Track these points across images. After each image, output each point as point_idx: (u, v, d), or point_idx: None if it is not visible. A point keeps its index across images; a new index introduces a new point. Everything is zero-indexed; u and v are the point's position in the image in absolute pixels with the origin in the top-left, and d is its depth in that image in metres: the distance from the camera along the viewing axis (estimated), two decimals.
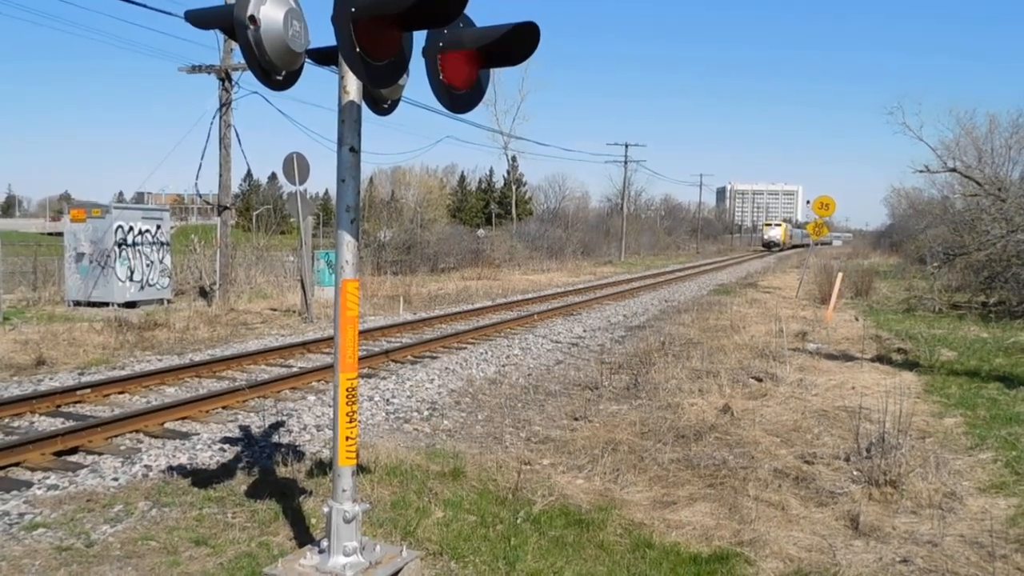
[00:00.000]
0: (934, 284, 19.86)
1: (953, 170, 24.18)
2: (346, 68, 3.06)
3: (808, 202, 34.90)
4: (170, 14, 24.56)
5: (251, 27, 2.81)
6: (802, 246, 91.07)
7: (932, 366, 10.23)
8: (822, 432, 6.79)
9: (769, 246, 77.39)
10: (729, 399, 7.68)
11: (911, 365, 10.31)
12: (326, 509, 3.58)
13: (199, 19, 3.08)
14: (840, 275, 17.99)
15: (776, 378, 8.92)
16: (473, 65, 3.21)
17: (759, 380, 8.88)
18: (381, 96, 3.31)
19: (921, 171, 24.37)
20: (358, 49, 2.73)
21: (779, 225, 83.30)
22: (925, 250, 26.73)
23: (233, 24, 2.85)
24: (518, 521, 4.65)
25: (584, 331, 14.37)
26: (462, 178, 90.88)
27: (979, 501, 5.17)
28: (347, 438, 3.55)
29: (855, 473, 5.60)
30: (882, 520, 4.81)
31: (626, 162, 57.10)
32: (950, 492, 5.21)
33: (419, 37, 3.17)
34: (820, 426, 6.98)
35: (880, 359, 10.76)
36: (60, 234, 19.69)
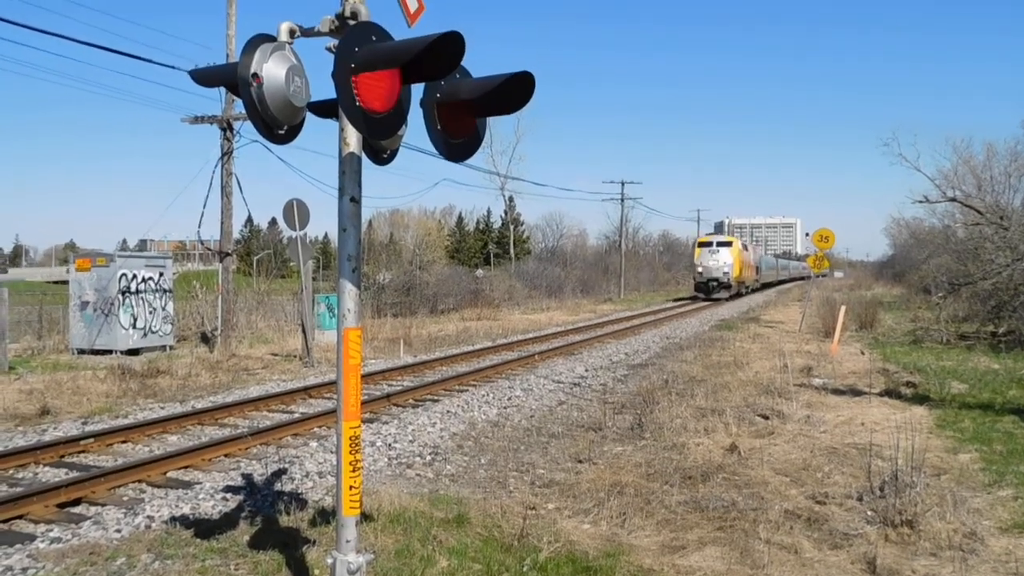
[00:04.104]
0: (940, 314, 19.81)
1: (953, 199, 24.37)
2: (346, 121, 3.11)
3: (807, 234, 35.16)
4: (174, 68, 25.14)
5: (254, 84, 2.87)
6: (780, 283, 67.81)
7: (943, 399, 10.13)
8: (832, 470, 6.69)
9: (707, 288, 41.42)
10: (735, 438, 7.59)
11: (921, 399, 10.21)
12: (330, 560, 3.51)
13: (204, 78, 3.16)
14: (843, 308, 17.97)
15: (783, 415, 8.83)
16: (470, 114, 3.27)
17: (765, 418, 8.80)
18: (381, 147, 3.36)
19: (920, 201, 24.61)
20: (358, 103, 2.79)
21: (727, 244, 42.77)
22: (929, 280, 26.75)
23: (237, 82, 2.91)
24: (524, 569, 4.56)
25: (586, 370, 14.29)
26: (460, 219, 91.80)
27: (1001, 541, 5.06)
28: (351, 487, 3.50)
29: (869, 513, 5.50)
30: (900, 563, 4.70)
31: (623, 199, 57.62)
32: (970, 532, 5.09)
33: (417, 89, 3.25)
34: (830, 464, 6.88)
35: (889, 393, 10.65)
36: (66, 283, 19.81)
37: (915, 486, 5.48)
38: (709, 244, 43.26)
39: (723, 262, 41.53)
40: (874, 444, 6.97)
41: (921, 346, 17.08)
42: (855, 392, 10.64)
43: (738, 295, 43.73)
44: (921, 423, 8.50)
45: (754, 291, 50.36)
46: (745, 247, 46.91)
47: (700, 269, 42.44)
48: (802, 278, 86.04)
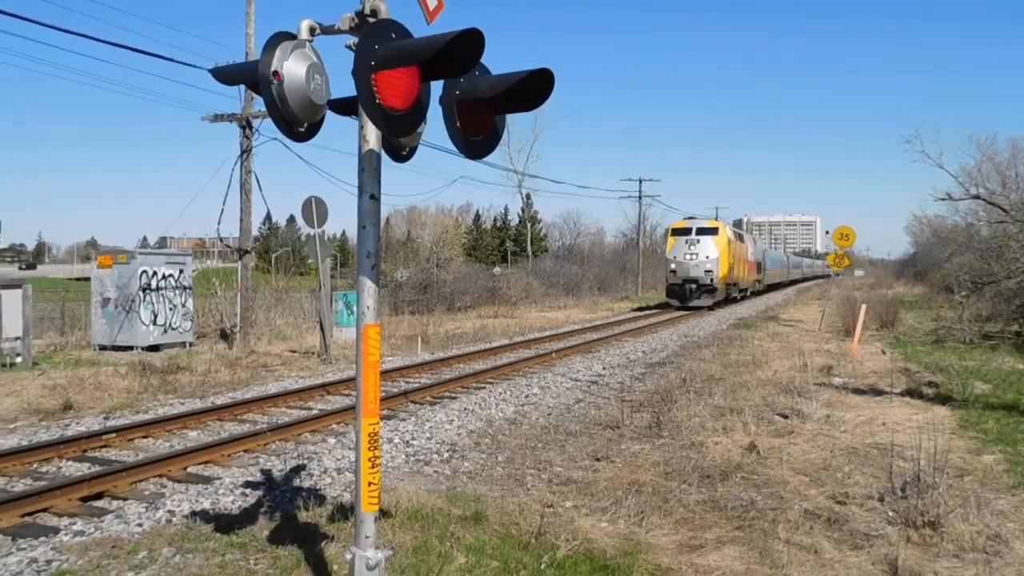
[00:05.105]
0: (963, 314, 19.50)
1: (977, 197, 23.86)
2: (366, 119, 3.12)
3: (827, 232, 33.89)
4: (194, 66, 25.36)
5: (275, 82, 2.89)
6: (791, 283, 59.75)
7: (966, 400, 9.97)
8: (853, 471, 6.62)
9: (683, 292, 30.89)
10: (754, 437, 7.53)
11: (943, 399, 10.06)
12: (348, 556, 3.53)
13: (225, 76, 3.18)
14: (864, 306, 17.74)
15: (802, 415, 8.75)
16: (489, 112, 3.26)
17: (785, 417, 8.71)
18: (400, 144, 3.37)
19: (943, 199, 24.03)
20: (378, 101, 2.79)
21: (710, 232, 31.65)
22: (952, 279, 26.35)
23: (257, 80, 2.93)
24: (542, 567, 4.55)
25: (603, 369, 14.25)
26: (477, 217, 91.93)
27: None
28: (369, 484, 3.51)
29: (890, 514, 5.42)
30: (922, 565, 4.63)
31: (640, 197, 57.35)
32: (994, 534, 5.01)
33: (436, 86, 3.25)
34: (851, 464, 6.80)
35: (910, 393, 10.51)
36: (87, 279, 20.12)
37: (937, 487, 5.39)
38: (686, 232, 31.48)
39: (705, 256, 30.33)
40: (895, 444, 6.88)
41: (943, 346, 16.83)
42: (876, 392, 10.51)
43: (729, 300, 33.06)
44: (943, 423, 8.37)
45: (755, 294, 40.35)
46: (739, 237, 35.89)
47: (673, 266, 30.92)
48: (817, 277, 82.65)
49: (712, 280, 30.41)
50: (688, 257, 30.66)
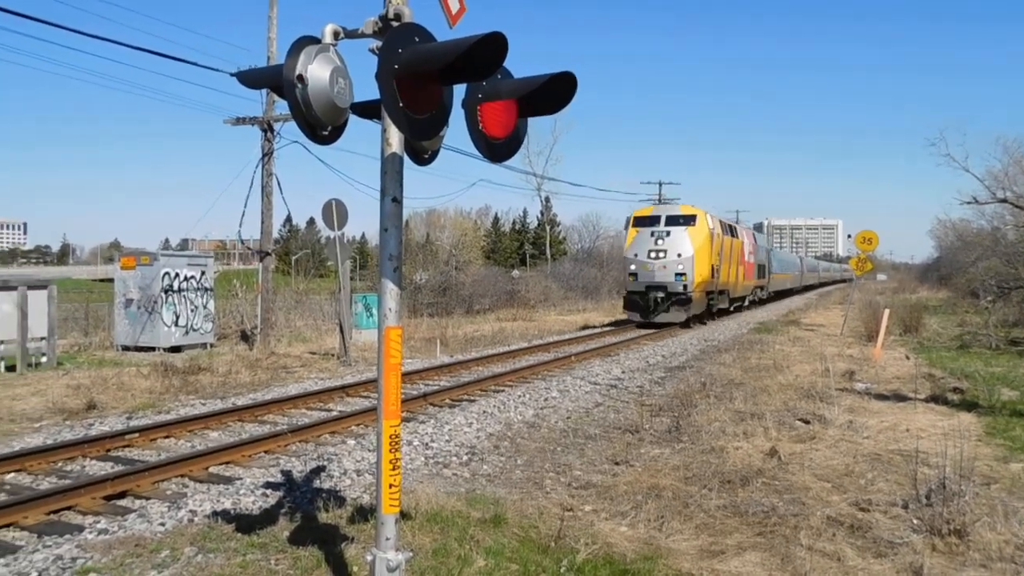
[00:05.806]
0: (989, 319, 19.15)
1: (1004, 201, 23.44)
2: (389, 122, 3.14)
3: (850, 236, 33.31)
4: (217, 70, 25.72)
5: (299, 86, 2.91)
6: (805, 289, 53.41)
7: (992, 406, 9.78)
8: (876, 477, 6.52)
9: (645, 302, 22.74)
10: (776, 442, 7.45)
11: (969, 405, 9.88)
12: (369, 558, 3.54)
13: (249, 80, 3.22)
14: (887, 311, 17.49)
15: (824, 420, 8.63)
16: (511, 115, 3.26)
17: (806, 422, 8.61)
18: (422, 147, 3.39)
19: (968, 203, 23.67)
20: (401, 104, 2.81)
21: (684, 222, 22.73)
22: (977, 283, 25.94)
23: (282, 83, 2.96)
24: (561, 571, 4.53)
25: (622, 372, 14.18)
26: (496, 220, 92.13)
27: None
28: (391, 485, 3.52)
29: (915, 522, 5.33)
30: (948, 573, 4.55)
31: (660, 200, 56.94)
32: (1023, 544, 4.91)
33: (459, 89, 3.26)
34: (874, 471, 6.70)
35: (935, 399, 10.34)
36: (111, 281, 20.44)
37: (963, 495, 5.29)
38: (652, 221, 23.61)
39: (676, 255, 22.62)
40: (920, 451, 6.77)
41: (968, 351, 16.54)
42: (899, 397, 10.35)
43: (713, 313, 25.57)
44: (969, 430, 8.21)
45: (756, 304, 32.63)
46: (730, 230, 27.46)
47: (633, 267, 23.26)
48: (836, 282, 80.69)
49: (685, 287, 22.46)
50: (653, 255, 22.77)
